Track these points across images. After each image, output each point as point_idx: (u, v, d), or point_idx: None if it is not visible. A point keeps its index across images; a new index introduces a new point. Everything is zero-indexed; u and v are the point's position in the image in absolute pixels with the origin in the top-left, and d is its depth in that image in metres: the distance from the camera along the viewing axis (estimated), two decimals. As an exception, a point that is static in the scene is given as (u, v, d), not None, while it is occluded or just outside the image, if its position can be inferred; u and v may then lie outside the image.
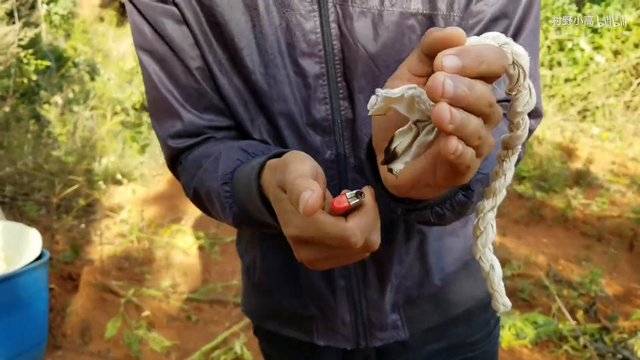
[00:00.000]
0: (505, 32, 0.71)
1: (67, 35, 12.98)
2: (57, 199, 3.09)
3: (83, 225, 3.19)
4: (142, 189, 3.81)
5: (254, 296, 0.95)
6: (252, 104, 0.74)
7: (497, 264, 0.54)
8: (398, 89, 0.44)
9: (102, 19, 18.71)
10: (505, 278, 0.72)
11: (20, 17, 5.25)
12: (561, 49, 6.03)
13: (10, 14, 4.82)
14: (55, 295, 2.52)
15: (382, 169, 0.51)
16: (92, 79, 8.29)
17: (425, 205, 0.60)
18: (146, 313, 2.50)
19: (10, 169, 3.47)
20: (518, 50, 0.45)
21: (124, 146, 5.27)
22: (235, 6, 0.69)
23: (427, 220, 0.63)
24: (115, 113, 6.53)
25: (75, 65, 7.66)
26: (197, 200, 0.77)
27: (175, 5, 0.71)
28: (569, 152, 4.88)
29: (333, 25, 0.69)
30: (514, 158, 0.51)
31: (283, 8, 0.68)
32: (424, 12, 0.68)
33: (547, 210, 3.75)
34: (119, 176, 3.72)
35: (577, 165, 4.53)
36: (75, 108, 5.72)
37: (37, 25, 9.40)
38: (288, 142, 0.74)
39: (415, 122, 0.45)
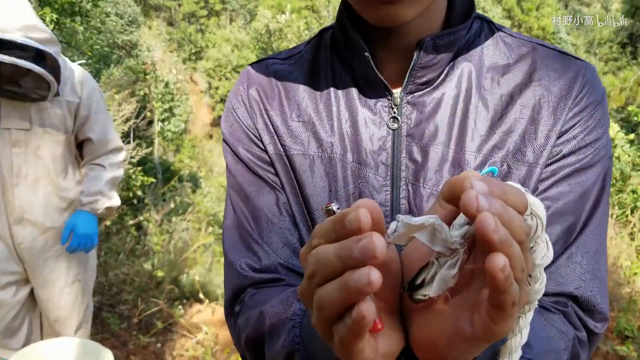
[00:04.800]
0: (569, 229, 0.70)
1: (177, 150, 14.14)
2: (138, 318, 3.17)
3: (159, 345, 3.21)
4: (221, 309, 3.83)
5: None
6: None
7: None
8: (419, 218, 0.42)
9: (210, 136, 20.29)
10: None
11: (135, 137, 5.78)
12: None
13: (127, 135, 5.32)
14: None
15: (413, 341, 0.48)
16: (194, 191, 8.84)
17: None
18: None
19: (102, 279, 3.64)
20: (534, 201, 0.43)
21: (212, 260, 5.42)
22: (317, 172, 0.75)
23: None
24: (210, 225, 6.83)
25: (181, 180, 8.23)
26: (253, 342, 0.72)
27: (267, 153, 0.78)
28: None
29: (403, 201, 0.71)
30: (531, 314, 0.48)
31: (359, 179, 0.73)
32: None
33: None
34: (201, 295, 3.77)
35: (693, 326, 4.04)
36: (174, 219, 6.06)
37: (151, 140, 10.34)
38: None
39: (437, 258, 0.44)
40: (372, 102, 0.74)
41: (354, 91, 0.76)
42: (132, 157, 4.78)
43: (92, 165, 2.32)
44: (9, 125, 2.04)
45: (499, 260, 0.37)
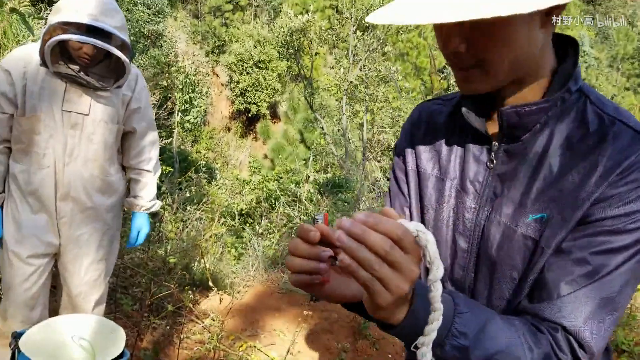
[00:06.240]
0: (586, 275, 0.84)
1: (195, 141, 14.33)
2: (150, 300, 3.32)
3: (168, 328, 3.36)
4: (229, 298, 3.97)
5: None
6: None
7: None
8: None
9: (228, 129, 20.39)
10: None
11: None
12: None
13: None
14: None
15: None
16: (209, 182, 8.99)
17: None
18: None
19: (117, 262, 3.79)
20: (429, 239, 0.66)
21: (223, 251, 5.55)
22: (431, 187, 1.07)
23: None
24: (223, 216, 6.96)
25: (197, 170, 8.38)
26: None
27: (406, 167, 1.13)
28: (681, 329, 4.42)
29: (481, 222, 0.98)
30: (439, 313, 0.70)
31: (458, 199, 1.02)
32: (533, 237, 0.91)
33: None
34: (210, 283, 3.91)
35: (690, 345, 4.08)
36: (189, 208, 6.21)
37: (171, 130, 10.51)
38: None
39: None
40: (479, 146, 1.00)
41: (470, 135, 1.02)
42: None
43: (142, 171, 2.57)
44: (70, 109, 2.25)
45: (340, 256, 0.65)
